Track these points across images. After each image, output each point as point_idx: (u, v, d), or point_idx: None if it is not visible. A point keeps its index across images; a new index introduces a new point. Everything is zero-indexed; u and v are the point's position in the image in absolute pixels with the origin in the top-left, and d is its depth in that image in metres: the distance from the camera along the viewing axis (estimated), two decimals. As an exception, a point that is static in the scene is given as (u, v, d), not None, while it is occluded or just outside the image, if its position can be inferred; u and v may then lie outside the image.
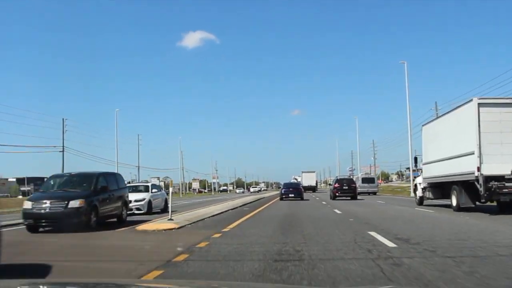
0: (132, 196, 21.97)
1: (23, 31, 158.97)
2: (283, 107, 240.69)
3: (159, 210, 24.48)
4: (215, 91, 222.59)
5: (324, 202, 32.96)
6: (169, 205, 16.76)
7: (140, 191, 23.75)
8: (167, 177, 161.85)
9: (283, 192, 40.67)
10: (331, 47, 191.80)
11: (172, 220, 15.83)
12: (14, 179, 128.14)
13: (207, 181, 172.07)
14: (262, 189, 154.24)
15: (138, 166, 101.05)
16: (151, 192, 23.68)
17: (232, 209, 24.64)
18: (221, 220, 17.43)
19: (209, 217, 18.93)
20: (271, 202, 34.58)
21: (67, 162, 68.99)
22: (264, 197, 48.53)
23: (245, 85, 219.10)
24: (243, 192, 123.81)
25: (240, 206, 28.16)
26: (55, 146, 70.49)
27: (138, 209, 21.89)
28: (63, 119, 70.38)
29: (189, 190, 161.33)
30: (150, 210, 22.44)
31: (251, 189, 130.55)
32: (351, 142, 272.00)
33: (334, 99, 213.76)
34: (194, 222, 16.24)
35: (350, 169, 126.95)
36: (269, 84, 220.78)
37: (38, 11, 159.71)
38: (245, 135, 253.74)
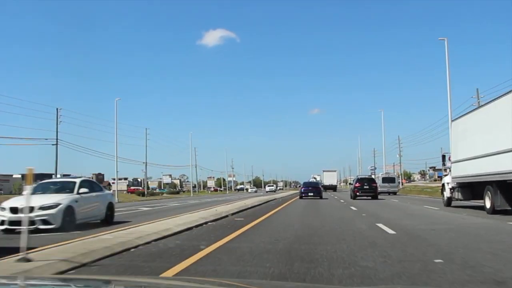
0: (37, 200, 12.88)
1: (40, 26, 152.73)
2: (302, 105, 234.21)
3: (98, 221, 15.33)
4: (233, 89, 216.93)
5: (354, 208, 23.73)
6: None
7: (56, 191, 14.39)
8: (184, 175, 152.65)
9: (302, 190, 41.23)
10: (350, 44, 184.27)
11: (30, 261, 6.68)
12: (20, 175, 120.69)
13: (223, 180, 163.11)
14: (278, 188, 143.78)
15: (146, 162, 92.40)
16: (77, 194, 14.16)
17: (215, 220, 15.55)
18: (159, 254, 8.24)
19: (147, 243, 9.73)
20: (282, 206, 25.53)
21: (64, 157, 60.76)
22: (276, 198, 39.40)
23: (264, 84, 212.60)
24: (256, 191, 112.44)
25: (235, 213, 19.04)
26: (46, 139, 62.02)
27: (45, 222, 12.67)
28: (57, 108, 61.97)
29: (203, 189, 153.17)
30: (71, 223, 13.07)
31: (267, 188, 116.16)
32: (372, 140, 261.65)
33: (354, 97, 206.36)
34: (77, 267, 6.98)
35: (372, 167, 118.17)
36: (288, 83, 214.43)
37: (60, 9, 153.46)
38: (264, 134, 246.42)
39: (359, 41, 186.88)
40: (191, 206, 29.61)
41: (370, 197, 36.43)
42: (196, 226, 13.34)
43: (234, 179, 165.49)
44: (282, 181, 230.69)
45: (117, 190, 61.46)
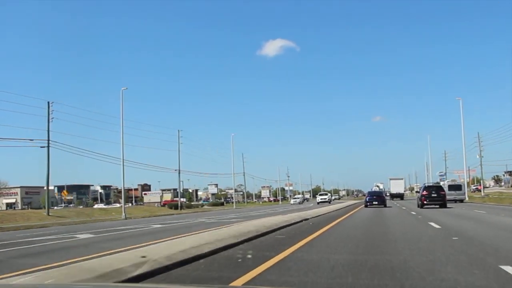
0: None
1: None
2: (364, 114, 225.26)
3: None
4: (293, 98, 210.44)
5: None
6: None
7: None
8: (241, 184, 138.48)
9: (367, 199, 43.31)
10: (411, 41, 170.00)
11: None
12: (53, 187, 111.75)
13: (280, 189, 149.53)
14: (335, 198, 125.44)
15: (179, 170, 78.67)
16: None
17: None
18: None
19: None
20: (308, 240, 12.22)
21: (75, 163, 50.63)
22: (308, 219, 21.61)
23: (323, 92, 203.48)
24: (300, 203, 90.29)
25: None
26: (31, 140, 50.17)
27: None
28: (48, 102, 51.91)
29: (255, 199, 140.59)
30: None
31: (318, 198, 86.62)
32: (439, 145, 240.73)
33: (418, 100, 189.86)
34: None
35: (441, 173, 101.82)
36: (349, 90, 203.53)
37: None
38: (324, 142, 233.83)
39: (422, 37, 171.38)
40: (149, 234, 17.85)
41: (438, 206, 35.02)
42: None
43: (291, 188, 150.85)
44: (344, 190, 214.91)
45: (123, 205, 48.92)
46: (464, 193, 56.22)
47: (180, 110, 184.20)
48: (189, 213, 54.73)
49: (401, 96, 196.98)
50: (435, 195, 36.05)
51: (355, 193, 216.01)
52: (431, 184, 42.05)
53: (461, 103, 65.46)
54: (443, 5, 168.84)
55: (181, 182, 79.57)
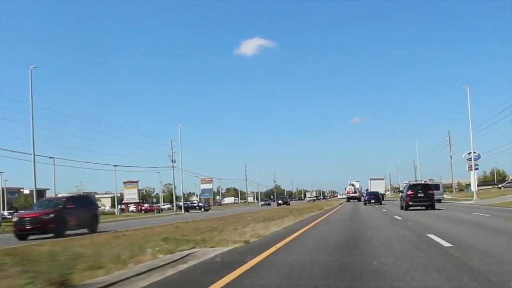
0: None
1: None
2: (342, 115, 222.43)
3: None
4: (268, 98, 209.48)
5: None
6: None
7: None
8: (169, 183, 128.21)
9: (366, 199, 57.81)
10: (394, 43, 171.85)
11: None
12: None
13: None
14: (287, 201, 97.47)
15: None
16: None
17: None
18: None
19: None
20: None
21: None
22: None
23: (300, 92, 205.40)
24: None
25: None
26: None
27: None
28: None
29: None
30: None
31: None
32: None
33: (398, 103, 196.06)
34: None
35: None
36: (327, 91, 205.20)
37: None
38: (300, 143, 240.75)
39: (402, 38, 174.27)
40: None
41: (424, 207, 33.62)
42: None
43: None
44: (310, 191, 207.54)
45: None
46: (442, 193, 58.90)
47: (159, 112, 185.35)
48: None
49: (382, 97, 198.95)
50: (422, 194, 34.06)
51: (328, 194, 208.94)
52: (417, 183, 39.91)
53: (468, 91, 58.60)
54: (424, 4, 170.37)
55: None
